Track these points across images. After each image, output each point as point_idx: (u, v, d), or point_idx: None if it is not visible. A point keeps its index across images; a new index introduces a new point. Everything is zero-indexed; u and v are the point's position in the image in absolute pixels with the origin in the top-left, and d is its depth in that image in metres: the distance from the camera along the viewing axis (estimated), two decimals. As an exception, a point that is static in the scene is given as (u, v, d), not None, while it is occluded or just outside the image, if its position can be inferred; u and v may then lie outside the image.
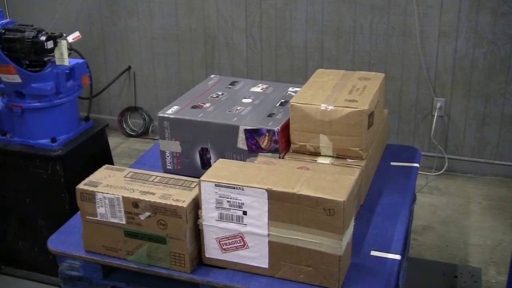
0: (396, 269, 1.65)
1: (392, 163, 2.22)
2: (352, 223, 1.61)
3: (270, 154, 1.92)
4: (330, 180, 1.58)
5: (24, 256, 2.73)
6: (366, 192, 2.00)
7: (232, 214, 1.59)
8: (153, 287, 1.72)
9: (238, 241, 1.61)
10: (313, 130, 1.91)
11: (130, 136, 4.21)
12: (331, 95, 1.96)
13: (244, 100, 2.13)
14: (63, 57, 2.56)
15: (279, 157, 1.92)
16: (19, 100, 2.57)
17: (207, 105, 2.09)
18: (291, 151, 1.97)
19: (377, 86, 2.04)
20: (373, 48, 3.50)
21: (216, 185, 1.58)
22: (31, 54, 2.50)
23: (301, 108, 1.91)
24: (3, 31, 2.48)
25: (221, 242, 1.63)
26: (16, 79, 2.52)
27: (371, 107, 1.91)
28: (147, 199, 1.61)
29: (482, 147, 3.52)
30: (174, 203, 1.59)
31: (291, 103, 1.92)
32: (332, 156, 1.92)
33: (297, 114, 1.92)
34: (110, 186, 1.68)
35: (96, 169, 1.79)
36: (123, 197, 1.64)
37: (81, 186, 1.69)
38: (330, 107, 1.88)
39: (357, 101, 1.90)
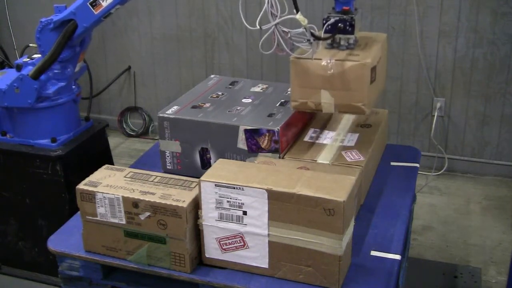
0: (396, 269, 1.65)
1: (392, 163, 2.22)
2: (352, 223, 1.61)
3: (270, 154, 1.92)
4: (330, 180, 1.58)
5: (24, 256, 2.73)
6: (366, 192, 2.00)
7: (232, 214, 1.59)
8: (153, 287, 1.72)
9: (238, 241, 1.61)
10: (314, 86, 1.86)
11: (130, 136, 4.22)
12: (331, 50, 1.92)
13: (244, 100, 2.13)
14: None
15: (279, 157, 1.92)
16: (76, 88, 2.68)
17: (207, 105, 2.09)
18: (292, 108, 1.94)
19: (380, 43, 1.99)
20: (373, 48, 3.49)
21: (216, 185, 1.58)
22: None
23: (301, 62, 1.85)
24: None
25: (221, 242, 1.63)
26: (80, 66, 2.68)
27: (374, 61, 1.86)
28: (147, 199, 1.61)
29: (482, 147, 3.52)
30: (174, 203, 1.59)
31: (291, 58, 1.87)
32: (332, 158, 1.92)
33: (297, 69, 1.87)
34: (110, 186, 1.68)
35: (96, 169, 1.79)
36: (123, 197, 1.64)
37: (81, 186, 1.69)
38: (331, 61, 1.83)
39: (359, 55, 1.85)
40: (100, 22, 2.44)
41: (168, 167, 2.08)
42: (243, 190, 1.55)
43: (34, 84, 2.47)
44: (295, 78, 1.89)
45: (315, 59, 1.85)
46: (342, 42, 1.93)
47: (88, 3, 2.36)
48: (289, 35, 1.81)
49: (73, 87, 2.67)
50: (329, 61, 1.83)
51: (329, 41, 1.93)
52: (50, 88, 2.53)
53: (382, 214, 1.90)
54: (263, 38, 1.81)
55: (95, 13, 2.37)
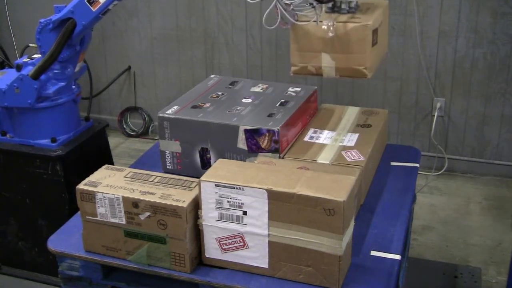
0: (396, 269, 1.65)
1: (392, 163, 2.22)
2: (352, 223, 1.61)
3: (270, 154, 1.92)
4: (330, 180, 1.58)
5: (24, 256, 2.73)
6: (366, 192, 2.00)
7: (232, 214, 1.59)
8: (153, 287, 1.72)
9: (238, 241, 1.61)
10: (314, 49, 1.83)
11: (130, 136, 4.22)
12: (332, 14, 1.89)
13: (244, 100, 2.13)
14: None
15: (279, 157, 1.92)
16: (76, 88, 2.69)
17: (207, 105, 2.09)
18: (291, 74, 1.91)
19: (381, 8, 1.97)
20: (373, 48, 3.49)
21: (216, 185, 1.58)
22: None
23: (301, 26, 1.82)
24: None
25: (221, 242, 1.63)
26: (80, 66, 2.68)
27: (375, 23, 1.85)
28: (147, 199, 1.61)
29: (482, 147, 3.52)
30: (174, 203, 1.59)
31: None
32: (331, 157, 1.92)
33: (297, 32, 1.83)
34: (110, 186, 1.68)
35: (96, 169, 1.79)
36: (123, 197, 1.64)
37: (81, 186, 1.69)
38: (332, 24, 1.80)
39: (360, 18, 1.83)
40: (98, 19, 2.44)
41: (168, 167, 2.08)
42: (243, 190, 1.55)
43: (34, 84, 2.47)
44: (294, 42, 1.84)
45: (315, 22, 1.82)
46: (343, 6, 1.90)
47: (85, 1, 2.36)
48: (291, 7, 1.79)
49: (73, 87, 2.67)
50: (330, 23, 1.80)
51: (330, 5, 1.90)
52: (50, 88, 2.53)
53: (382, 214, 1.90)
54: (266, 12, 1.78)
55: (93, 10, 2.37)
